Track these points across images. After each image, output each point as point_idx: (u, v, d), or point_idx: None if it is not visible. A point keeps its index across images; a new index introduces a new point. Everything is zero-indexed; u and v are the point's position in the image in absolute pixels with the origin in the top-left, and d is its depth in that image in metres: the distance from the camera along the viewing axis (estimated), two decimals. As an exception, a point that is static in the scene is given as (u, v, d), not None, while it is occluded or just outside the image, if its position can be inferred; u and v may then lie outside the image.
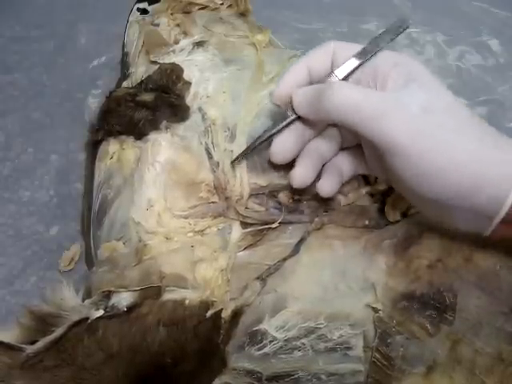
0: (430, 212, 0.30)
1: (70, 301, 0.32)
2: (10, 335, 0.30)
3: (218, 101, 0.39)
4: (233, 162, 0.35)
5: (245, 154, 0.35)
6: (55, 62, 0.63)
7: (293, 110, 0.32)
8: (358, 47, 0.31)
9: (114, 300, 0.32)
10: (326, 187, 0.34)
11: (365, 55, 0.30)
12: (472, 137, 0.26)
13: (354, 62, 0.31)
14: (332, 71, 0.31)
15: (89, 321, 0.30)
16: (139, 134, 0.37)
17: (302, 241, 0.35)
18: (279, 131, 0.33)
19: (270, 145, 0.34)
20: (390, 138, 0.26)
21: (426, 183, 0.27)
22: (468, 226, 0.29)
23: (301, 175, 0.33)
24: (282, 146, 0.33)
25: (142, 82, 0.40)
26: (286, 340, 0.32)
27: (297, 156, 0.34)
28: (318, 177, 0.34)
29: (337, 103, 0.28)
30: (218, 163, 0.36)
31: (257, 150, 0.35)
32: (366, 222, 0.36)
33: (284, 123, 0.33)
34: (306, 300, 0.33)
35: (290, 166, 0.35)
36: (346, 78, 0.31)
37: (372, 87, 0.30)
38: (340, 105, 0.28)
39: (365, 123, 0.27)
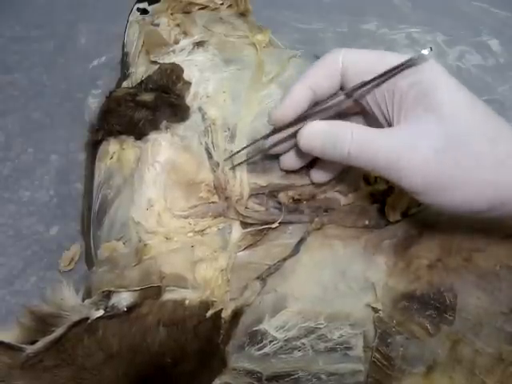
0: None
1: (70, 301, 0.32)
2: (10, 335, 0.30)
3: (218, 101, 0.39)
4: (232, 168, 0.36)
5: (245, 161, 0.35)
6: (55, 61, 0.63)
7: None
8: (370, 57, 0.28)
9: (114, 300, 0.32)
10: (317, 176, 0.34)
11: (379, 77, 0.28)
12: (487, 165, 0.26)
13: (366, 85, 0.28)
14: (343, 92, 0.29)
15: (89, 321, 0.30)
16: (139, 134, 0.37)
17: (302, 241, 0.35)
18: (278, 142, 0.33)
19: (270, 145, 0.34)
20: (406, 184, 0.27)
21: (448, 209, 0.27)
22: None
23: (291, 158, 0.34)
24: (290, 161, 0.34)
25: (141, 81, 0.40)
26: (286, 340, 0.32)
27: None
28: (313, 165, 0.35)
29: (352, 153, 0.28)
30: (218, 163, 0.36)
31: (257, 149, 0.35)
32: (366, 222, 0.36)
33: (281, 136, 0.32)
34: (306, 300, 0.33)
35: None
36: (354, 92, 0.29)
37: (388, 108, 0.28)
38: (355, 156, 0.28)
39: (381, 171, 0.27)
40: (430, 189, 0.27)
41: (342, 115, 0.32)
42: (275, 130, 0.32)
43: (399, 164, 0.26)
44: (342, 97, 0.29)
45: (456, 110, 0.26)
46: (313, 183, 0.36)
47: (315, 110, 0.30)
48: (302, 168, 0.36)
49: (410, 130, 0.27)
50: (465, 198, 0.27)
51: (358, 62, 0.29)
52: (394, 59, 0.27)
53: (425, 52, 0.26)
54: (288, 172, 0.36)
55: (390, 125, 0.29)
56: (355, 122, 0.30)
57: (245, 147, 0.35)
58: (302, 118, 0.30)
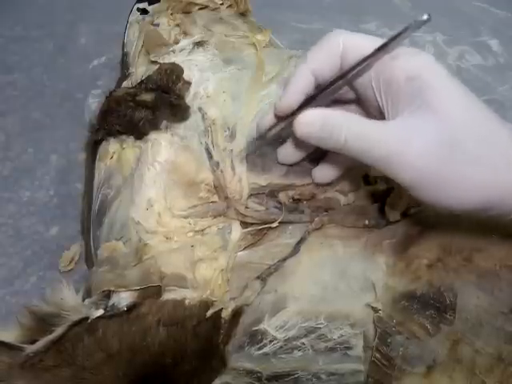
0: None
1: (70, 300, 0.32)
2: (10, 335, 0.30)
3: (218, 101, 0.39)
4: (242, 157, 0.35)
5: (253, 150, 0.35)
6: (55, 62, 0.63)
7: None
8: (369, 43, 0.28)
9: (114, 300, 0.32)
10: (320, 175, 0.34)
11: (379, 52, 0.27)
12: (483, 167, 0.26)
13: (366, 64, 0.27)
14: (345, 72, 0.28)
15: (89, 320, 0.30)
16: (139, 134, 0.37)
17: (302, 240, 0.35)
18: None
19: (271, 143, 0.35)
20: (399, 179, 0.27)
21: (441, 206, 0.27)
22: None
23: (287, 150, 0.34)
24: (287, 153, 0.34)
25: (141, 81, 0.40)
26: (285, 340, 0.32)
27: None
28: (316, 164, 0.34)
29: (348, 142, 0.27)
30: (218, 163, 0.36)
31: (257, 149, 0.35)
32: (366, 222, 0.36)
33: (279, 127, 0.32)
34: (305, 300, 0.33)
35: (289, 166, 0.35)
36: (355, 77, 0.28)
37: (383, 99, 0.28)
38: (351, 145, 0.27)
39: (375, 164, 0.27)
40: (422, 185, 0.26)
41: (337, 102, 0.32)
42: (279, 120, 0.32)
43: (393, 158, 0.26)
44: (341, 82, 0.29)
45: (452, 109, 0.26)
46: (315, 184, 0.36)
47: (315, 95, 0.30)
48: (302, 168, 0.36)
49: (404, 125, 0.26)
50: (457, 197, 0.26)
51: (358, 44, 0.28)
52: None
53: (424, 17, 0.26)
54: (288, 172, 0.36)
55: (384, 115, 0.28)
56: (350, 110, 0.30)
57: (255, 141, 0.35)
58: (303, 104, 0.30)
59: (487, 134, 0.26)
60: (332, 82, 0.29)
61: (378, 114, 0.29)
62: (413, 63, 0.27)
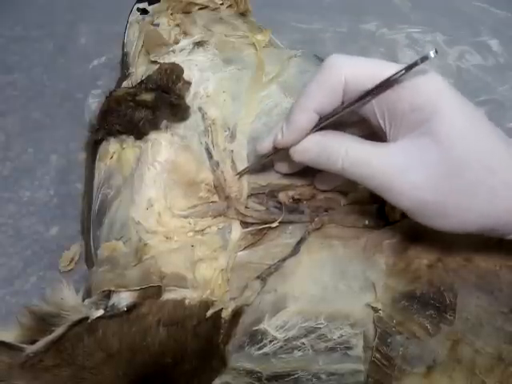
0: None
1: (70, 300, 0.32)
2: (10, 335, 0.30)
3: (218, 101, 0.39)
4: (238, 174, 0.36)
5: (247, 171, 0.35)
6: (55, 62, 0.63)
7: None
8: (373, 72, 0.27)
9: (114, 300, 0.32)
10: (321, 181, 0.34)
11: (380, 89, 0.26)
12: (482, 196, 0.26)
13: (367, 99, 0.27)
14: (346, 106, 0.28)
15: (89, 320, 0.30)
16: (139, 134, 0.37)
17: (302, 240, 0.35)
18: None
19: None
20: (397, 205, 0.27)
21: (441, 230, 0.28)
22: None
23: (284, 165, 0.34)
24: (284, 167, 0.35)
25: (141, 81, 0.40)
26: (286, 340, 0.32)
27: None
28: (317, 171, 0.34)
29: (346, 168, 0.28)
30: (218, 163, 0.36)
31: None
32: (366, 222, 0.36)
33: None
34: (306, 300, 0.33)
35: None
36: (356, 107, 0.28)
37: (386, 124, 0.27)
38: (348, 171, 0.28)
39: (373, 189, 0.28)
40: (421, 213, 0.27)
41: (338, 123, 0.31)
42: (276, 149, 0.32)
43: (391, 185, 0.27)
44: (342, 112, 0.28)
45: (454, 139, 0.25)
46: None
47: (314, 128, 0.30)
48: (303, 167, 0.36)
49: (404, 152, 0.26)
50: (457, 223, 0.27)
51: (361, 76, 0.27)
52: (394, 70, 0.26)
53: (431, 54, 0.25)
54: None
55: (385, 137, 0.28)
56: (351, 132, 0.30)
57: (251, 164, 0.35)
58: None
59: (489, 163, 0.26)
60: (332, 115, 0.29)
61: (382, 135, 0.29)
62: (417, 92, 0.26)
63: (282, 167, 0.35)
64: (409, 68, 0.25)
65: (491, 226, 0.27)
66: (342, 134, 0.29)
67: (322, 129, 0.30)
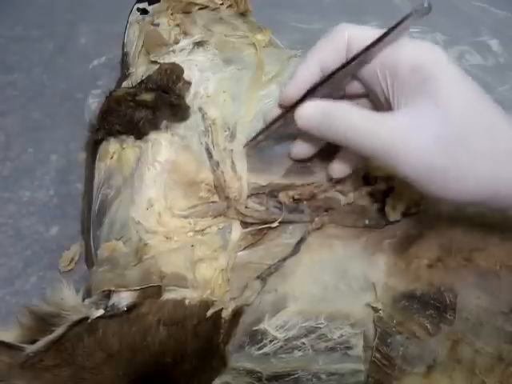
0: None
1: (70, 300, 0.32)
2: (10, 335, 0.30)
3: (218, 101, 0.39)
4: (247, 145, 0.36)
5: (252, 140, 0.35)
6: (55, 61, 0.63)
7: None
8: (374, 33, 0.27)
9: (114, 299, 0.32)
10: (336, 172, 0.34)
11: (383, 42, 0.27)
12: (485, 162, 0.26)
13: (370, 53, 0.27)
14: (346, 63, 0.28)
15: (89, 320, 0.30)
16: (139, 134, 0.37)
17: (302, 240, 0.35)
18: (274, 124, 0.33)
19: (271, 143, 0.35)
20: (400, 171, 0.27)
21: (441, 198, 0.27)
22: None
23: (302, 147, 0.34)
24: (300, 148, 0.34)
25: (142, 81, 0.40)
26: (286, 339, 0.32)
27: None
28: (330, 159, 0.34)
29: (349, 136, 0.27)
30: (218, 163, 0.36)
31: (257, 149, 0.36)
32: (366, 222, 0.36)
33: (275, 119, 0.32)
34: (306, 299, 0.33)
35: (290, 165, 0.35)
36: (359, 67, 0.29)
37: (389, 91, 0.28)
38: (351, 139, 0.27)
39: (378, 157, 0.27)
40: (422, 179, 0.26)
41: (348, 97, 0.32)
42: (284, 111, 0.32)
43: (395, 151, 0.26)
44: (342, 72, 0.29)
45: (455, 102, 0.26)
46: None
47: (317, 85, 0.30)
48: (302, 168, 0.36)
49: (405, 118, 0.26)
50: (458, 189, 0.26)
51: (363, 36, 0.28)
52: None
53: (425, 4, 0.25)
54: (288, 172, 0.36)
55: (390, 106, 0.28)
56: (361, 105, 0.30)
57: (260, 132, 0.34)
58: (306, 94, 0.30)
59: (490, 127, 0.26)
60: (334, 72, 0.29)
61: (388, 106, 0.29)
62: (417, 54, 0.27)
63: (298, 152, 0.34)
64: (405, 18, 0.26)
65: (491, 195, 0.26)
66: (347, 103, 0.29)
67: (326, 96, 0.30)
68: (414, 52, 0.27)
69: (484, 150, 0.25)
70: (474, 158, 0.25)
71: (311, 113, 0.29)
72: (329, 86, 0.29)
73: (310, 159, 0.35)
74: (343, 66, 0.28)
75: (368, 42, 0.27)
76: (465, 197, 0.26)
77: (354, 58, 0.28)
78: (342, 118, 0.27)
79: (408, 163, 0.26)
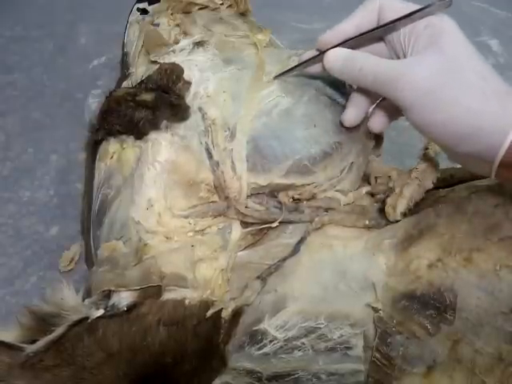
0: (449, 154, 0.34)
1: (70, 300, 0.32)
2: (10, 335, 0.30)
3: (218, 100, 0.39)
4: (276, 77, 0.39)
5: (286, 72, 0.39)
6: (55, 62, 0.63)
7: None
8: (402, 6, 0.33)
9: (114, 299, 0.32)
10: (376, 124, 0.37)
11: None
12: (473, 94, 0.30)
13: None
14: (377, 28, 0.34)
15: (89, 320, 0.30)
16: (139, 134, 0.37)
17: (302, 240, 0.35)
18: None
19: (272, 139, 0.35)
20: (400, 99, 0.31)
21: (434, 133, 0.31)
22: (477, 170, 0.33)
23: (352, 114, 0.37)
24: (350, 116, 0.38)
25: (142, 81, 0.40)
26: (286, 340, 0.32)
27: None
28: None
29: (363, 70, 0.33)
30: (218, 163, 0.36)
31: (258, 149, 0.36)
32: (367, 222, 0.36)
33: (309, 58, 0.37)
34: (306, 300, 0.33)
35: (290, 165, 0.36)
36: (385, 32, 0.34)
37: (405, 47, 0.33)
38: (364, 73, 0.33)
39: (382, 86, 0.32)
40: (418, 105, 0.31)
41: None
42: (317, 53, 0.37)
43: (398, 79, 0.31)
44: (376, 30, 0.35)
45: (455, 48, 0.31)
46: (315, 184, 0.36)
47: (351, 38, 0.35)
48: (302, 168, 0.36)
49: (416, 57, 0.32)
50: (446, 118, 0.30)
51: (393, 6, 0.34)
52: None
53: None
54: (288, 172, 0.36)
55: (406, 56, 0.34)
56: (379, 48, 0.36)
57: (293, 67, 0.39)
58: (339, 44, 0.35)
59: (482, 70, 0.31)
60: (367, 32, 0.35)
61: (402, 56, 0.34)
62: (432, 17, 0.32)
63: (349, 118, 0.37)
64: (431, 5, 0.32)
65: (476, 129, 0.29)
66: (366, 52, 0.35)
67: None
68: (430, 16, 0.33)
69: (474, 84, 0.30)
70: (464, 88, 0.30)
71: (337, 56, 0.35)
72: (358, 41, 0.35)
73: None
74: (376, 28, 0.35)
75: (397, 11, 0.33)
76: (452, 128, 0.30)
77: (385, 25, 0.34)
78: (360, 59, 0.33)
79: (409, 90, 0.31)
